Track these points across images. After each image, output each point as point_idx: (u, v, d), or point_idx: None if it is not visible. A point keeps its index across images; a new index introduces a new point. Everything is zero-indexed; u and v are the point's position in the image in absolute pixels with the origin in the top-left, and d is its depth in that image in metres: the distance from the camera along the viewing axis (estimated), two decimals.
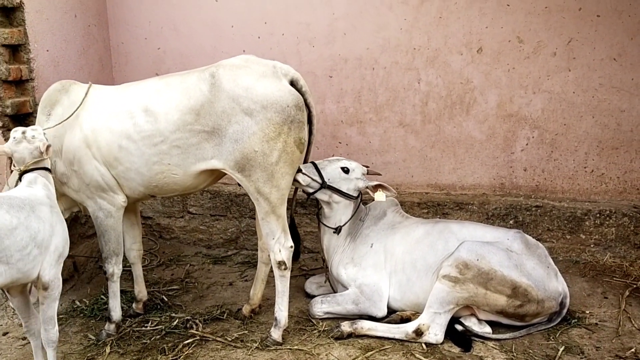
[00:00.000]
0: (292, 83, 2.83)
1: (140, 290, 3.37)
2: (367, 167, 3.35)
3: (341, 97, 4.00)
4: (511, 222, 3.77)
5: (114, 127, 2.78)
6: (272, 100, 2.70)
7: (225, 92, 2.71)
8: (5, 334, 3.25)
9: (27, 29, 3.30)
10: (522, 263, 2.87)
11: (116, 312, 3.12)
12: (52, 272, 2.38)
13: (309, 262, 4.07)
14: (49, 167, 2.56)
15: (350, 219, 3.27)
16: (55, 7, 3.54)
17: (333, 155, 3.71)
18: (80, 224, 3.83)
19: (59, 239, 2.42)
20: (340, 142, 4.08)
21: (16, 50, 3.29)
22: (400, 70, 3.86)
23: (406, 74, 3.86)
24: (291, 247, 2.93)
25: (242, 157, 2.74)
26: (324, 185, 3.15)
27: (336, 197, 3.20)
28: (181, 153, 2.79)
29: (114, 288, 3.10)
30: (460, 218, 3.76)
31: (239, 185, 2.93)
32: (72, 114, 2.82)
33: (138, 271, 3.36)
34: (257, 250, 3.46)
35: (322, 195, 3.20)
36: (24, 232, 2.23)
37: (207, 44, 4.09)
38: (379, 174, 3.36)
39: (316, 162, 3.19)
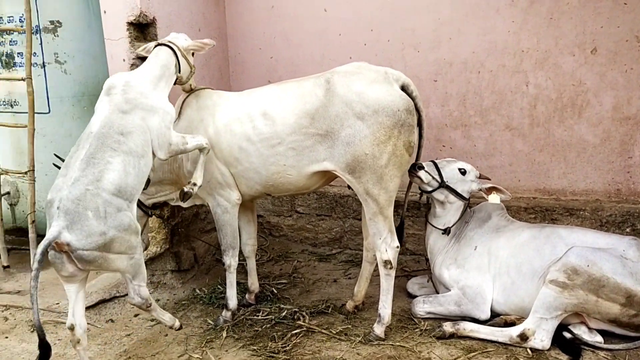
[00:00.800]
0: (403, 88, 2.93)
1: (253, 282, 3.63)
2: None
3: (446, 100, 4.03)
4: (628, 229, 3.58)
5: (235, 129, 3.04)
6: (384, 104, 2.82)
7: (339, 97, 2.87)
8: (136, 315, 3.64)
9: None
10: (638, 271, 2.75)
11: (232, 301, 3.40)
12: None
13: (410, 263, 4.13)
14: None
15: (458, 220, 3.30)
16: (182, 22, 3.91)
17: (437, 159, 3.75)
18: (200, 220, 4.18)
19: None
20: (444, 146, 4.10)
21: None
22: (507, 73, 3.82)
23: (513, 76, 3.81)
24: (397, 247, 3.03)
25: (353, 159, 2.87)
26: (442, 185, 3.24)
27: (451, 197, 3.27)
28: (296, 155, 2.99)
29: (231, 279, 3.37)
30: (571, 224, 3.63)
31: (348, 187, 3.07)
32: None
33: (252, 265, 3.62)
34: (359, 249, 3.60)
35: (439, 195, 3.29)
36: None
37: (316, 52, 4.30)
38: (489, 179, 3.35)
39: (436, 161, 3.29)
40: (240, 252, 3.47)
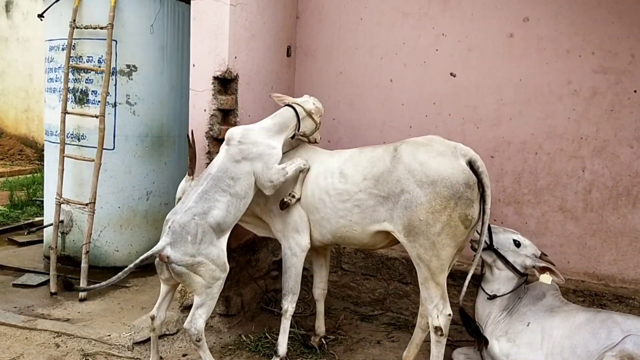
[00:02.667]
0: (470, 163, 3.09)
1: (320, 325, 3.83)
2: (544, 254, 3.48)
3: (501, 177, 4.17)
4: None
5: (320, 182, 3.35)
6: (443, 176, 3.02)
7: (403, 164, 3.11)
8: (184, 355, 3.71)
9: (238, 97, 3.93)
10: None
11: (282, 347, 3.48)
12: None
13: (454, 333, 4.15)
14: None
15: (510, 292, 3.37)
16: (259, 80, 4.17)
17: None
18: (251, 266, 4.29)
19: None
20: (495, 220, 4.21)
21: (227, 114, 3.92)
22: (564, 157, 3.97)
23: (570, 161, 3.96)
24: (449, 314, 3.12)
25: (409, 223, 3.07)
26: (490, 247, 3.36)
27: (500, 263, 3.38)
28: (360, 212, 3.24)
29: (285, 325, 3.49)
30: (620, 311, 3.67)
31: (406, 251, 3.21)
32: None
33: (320, 308, 3.86)
34: (402, 313, 3.71)
35: (487, 257, 3.43)
36: None
37: (378, 119, 4.51)
38: (551, 263, 3.43)
39: (492, 226, 3.45)
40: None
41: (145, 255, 3.09)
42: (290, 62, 4.66)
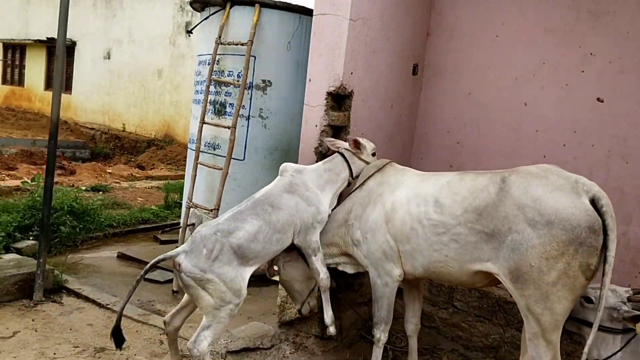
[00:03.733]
0: (593, 201, 2.59)
1: None
2: (637, 291, 2.82)
3: None
4: None
5: (412, 210, 3.04)
6: (562, 216, 2.55)
7: (512, 199, 2.68)
8: None
9: (351, 114, 3.82)
10: None
11: None
12: None
13: None
14: None
15: (614, 354, 2.73)
16: (376, 97, 4.02)
17: (629, 286, 3.23)
18: (352, 291, 4.12)
19: None
20: None
21: (338, 131, 3.83)
22: None
23: None
24: None
25: (517, 267, 2.64)
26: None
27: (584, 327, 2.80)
28: (458, 248, 2.86)
29: (377, 353, 3.31)
30: None
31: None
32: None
33: (413, 345, 3.55)
34: None
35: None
36: None
37: (506, 145, 4.09)
38: None
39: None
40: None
41: (161, 256, 2.98)
42: (415, 80, 4.44)
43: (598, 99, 3.72)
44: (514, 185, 2.71)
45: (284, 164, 3.44)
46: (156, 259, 2.98)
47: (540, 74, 3.97)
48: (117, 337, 3.12)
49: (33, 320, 4.04)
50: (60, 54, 4.39)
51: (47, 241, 4.52)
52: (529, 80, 4.01)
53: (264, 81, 5.38)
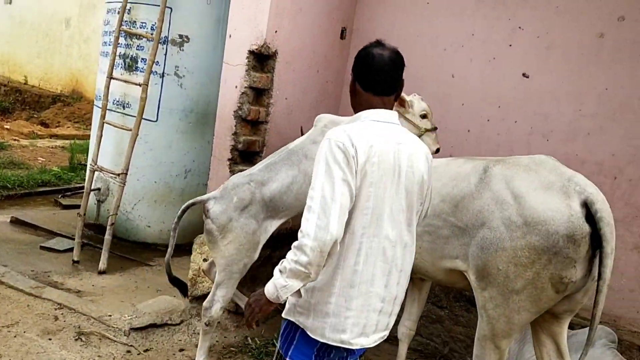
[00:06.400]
0: (587, 205, 2.26)
1: None
2: None
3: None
4: None
5: None
6: (540, 219, 2.26)
7: (491, 192, 2.42)
8: (181, 350, 3.42)
9: (275, 77, 3.56)
10: None
11: None
12: None
13: None
14: None
15: None
16: (302, 60, 3.78)
17: None
18: (271, 264, 3.92)
19: None
20: None
21: (260, 94, 3.56)
22: None
23: None
24: None
25: (483, 268, 2.40)
26: None
27: None
28: (431, 241, 2.63)
29: None
30: None
31: None
32: None
33: (402, 351, 3.15)
34: (432, 339, 3.15)
35: None
36: None
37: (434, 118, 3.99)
38: None
39: None
40: None
41: (192, 200, 3.00)
42: (343, 45, 4.23)
43: (524, 75, 3.69)
44: (495, 178, 2.44)
45: (320, 115, 3.16)
46: (187, 203, 3.00)
47: (468, 45, 3.88)
48: (178, 284, 3.26)
49: None
50: None
51: None
52: (457, 52, 3.92)
53: (180, 36, 4.95)
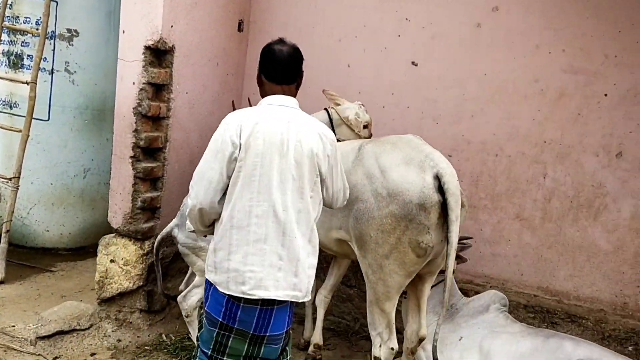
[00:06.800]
0: (438, 178, 2.55)
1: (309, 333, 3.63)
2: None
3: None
4: (630, 348, 3.35)
5: None
6: (399, 190, 2.55)
7: (363, 168, 2.69)
8: (92, 354, 3.35)
9: (173, 71, 3.54)
10: None
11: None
12: None
13: None
14: None
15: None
16: (201, 54, 3.78)
17: None
18: (181, 259, 3.92)
19: None
20: None
21: (160, 89, 3.53)
22: (525, 161, 3.67)
23: (531, 166, 3.65)
24: (393, 349, 2.74)
25: (360, 236, 2.67)
26: None
27: None
28: (322, 216, 2.74)
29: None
30: (571, 332, 3.40)
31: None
32: None
33: (319, 315, 3.48)
34: (343, 318, 3.54)
35: None
36: None
37: None
38: (470, 237, 3.36)
39: None
40: None
41: (160, 235, 3.37)
42: (242, 37, 4.26)
43: (413, 63, 3.94)
44: (367, 154, 2.71)
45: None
46: (159, 236, 3.38)
47: (361, 36, 4.06)
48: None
49: None
50: None
51: None
52: (352, 43, 4.09)
53: (69, 30, 4.74)
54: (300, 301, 2.23)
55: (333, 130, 3.14)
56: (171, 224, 3.33)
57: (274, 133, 2.14)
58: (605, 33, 3.42)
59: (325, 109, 3.30)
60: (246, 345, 2.21)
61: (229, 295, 2.15)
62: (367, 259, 2.67)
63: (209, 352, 2.23)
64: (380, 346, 2.73)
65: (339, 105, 3.30)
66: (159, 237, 3.35)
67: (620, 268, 3.48)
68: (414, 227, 2.54)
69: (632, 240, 3.44)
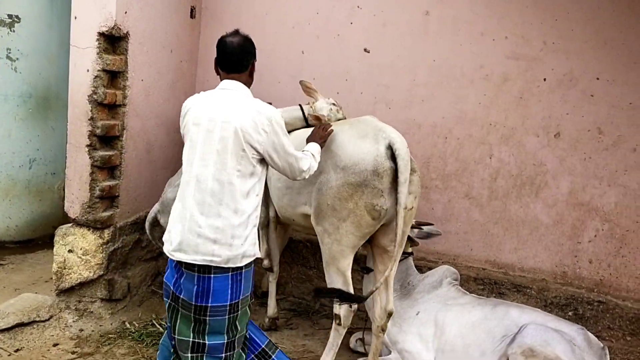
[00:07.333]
0: (391, 147, 2.80)
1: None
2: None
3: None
4: (570, 313, 3.65)
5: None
6: (354, 161, 2.81)
7: (325, 147, 2.90)
8: (55, 345, 3.32)
9: (128, 58, 3.51)
10: (584, 359, 2.77)
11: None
12: None
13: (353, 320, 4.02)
14: None
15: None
16: (155, 41, 3.75)
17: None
18: (140, 247, 3.92)
19: None
20: None
21: (115, 77, 3.49)
22: (473, 143, 3.89)
23: (478, 147, 3.88)
24: (351, 306, 2.93)
25: (318, 205, 2.90)
26: None
27: None
28: (291, 193, 3.13)
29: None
30: (517, 301, 3.67)
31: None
32: None
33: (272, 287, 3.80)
34: (304, 298, 3.67)
35: None
36: None
37: (287, 93, 4.22)
38: (431, 224, 3.56)
39: None
40: None
41: (147, 220, 3.66)
42: (194, 24, 4.25)
43: (365, 50, 4.07)
44: (330, 134, 2.92)
45: None
46: (147, 221, 3.68)
47: (314, 23, 4.14)
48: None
49: None
50: None
51: None
52: (305, 29, 4.17)
53: (10, 16, 4.55)
54: (222, 266, 2.30)
55: (308, 126, 3.31)
56: (154, 209, 3.59)
57: (206, 112, 2.37)
58: (544, 21, 3.67)
59: (300, 105, 3.41)
60: (192, 324, 2.32)
61: (176, 261, 2.34)
62: (324, 224, 2.90)
63: (170, 324, 2.43)
64: (340, 305, 2.94)
65: (313, 97, 3.43)
66: (147, 221, 3.65)
67: (559, 240, 3.78)
68: (369, 191, 2.78)
69: (569, 214, 3.73)
